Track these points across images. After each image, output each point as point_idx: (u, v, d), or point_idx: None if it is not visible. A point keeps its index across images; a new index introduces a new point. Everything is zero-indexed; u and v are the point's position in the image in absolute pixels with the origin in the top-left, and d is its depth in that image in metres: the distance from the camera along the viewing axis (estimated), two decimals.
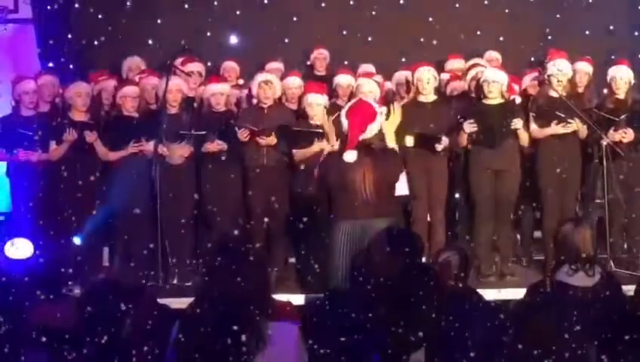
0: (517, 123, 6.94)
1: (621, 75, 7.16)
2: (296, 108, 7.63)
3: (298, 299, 6.14)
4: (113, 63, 8.39)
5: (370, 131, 5.39)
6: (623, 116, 6.99)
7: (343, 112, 5.59)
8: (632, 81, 7.20)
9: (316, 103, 7.11)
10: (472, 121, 6.93)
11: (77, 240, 6.95)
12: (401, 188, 5.94)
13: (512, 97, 7.20)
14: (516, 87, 7.60)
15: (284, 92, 7.83)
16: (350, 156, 5.32)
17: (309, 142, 7.02)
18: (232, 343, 3.38)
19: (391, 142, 5.55)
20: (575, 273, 4.34)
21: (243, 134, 7.03)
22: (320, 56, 8.83)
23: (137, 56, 8.33)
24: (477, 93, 7.32)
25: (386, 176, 5.39)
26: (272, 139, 7.08)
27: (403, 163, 6.21)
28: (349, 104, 5.77)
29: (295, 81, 7.76)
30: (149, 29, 9.28)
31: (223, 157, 7.16)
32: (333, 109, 7.25)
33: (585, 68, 7.56)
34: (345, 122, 5.46)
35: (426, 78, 7.18)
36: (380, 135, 5.59)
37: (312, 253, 7.10)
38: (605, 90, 7.41)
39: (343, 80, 7.71)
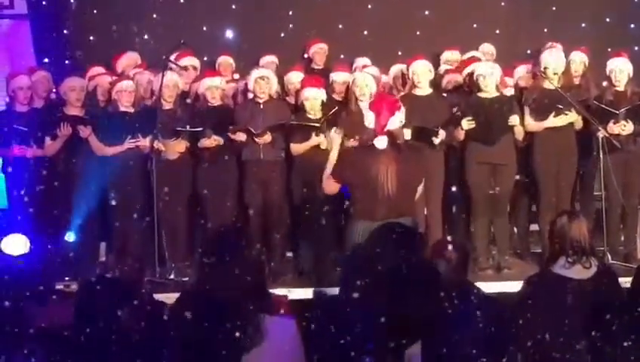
0: (513, 120, 6.95)
1: (621, 68, 7.13)
2: (295, 102, 7.61)
3: (295, 294, 6.14)
4: (108, 59, 8.36)
5: (396, 122, 5.33)
6: (623, 109, 6.97)
7: (365, 105, 5.51)
8: (631, 74, 7.19)
9: (313, 97, 7.10)
10: (470, 118, 6.92)
11: (70, 236, 6.94)
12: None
13: (506, 91, 7.19)
14: (510, 81, 7.59)
15: (286, 86, 7.82)
16: (381, 142, 5.22)
17: (306, 137, 7.02)
18: (228, 337, 3.37)
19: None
20: (572, 265, 4.33)
21: (240, 136, 7.03)
22: (320, 51, 8.80)
23: (132, 52, 8.31)
24: (471, 87, 7.31)
25: (409, 174, 5.28)
26: (268, 137, 7.07)
27: None
28: (371, 99, 5.70)
29: (297, 77, 7.75)
30: (144, 23, 9.25)
31: (226, 157, 7.16)
32: (330, 104, 7.26)
33: (580, 57, 7.53)
34: (370, 114, 5.36)
35: (422, 72, 7.17)
36: (402, 130, 5.53)
37: (309, 247, 7.11)
38: (605, 83, 7.40)
39: (339, 77, 7.65)
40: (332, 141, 5.60)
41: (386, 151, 5.24)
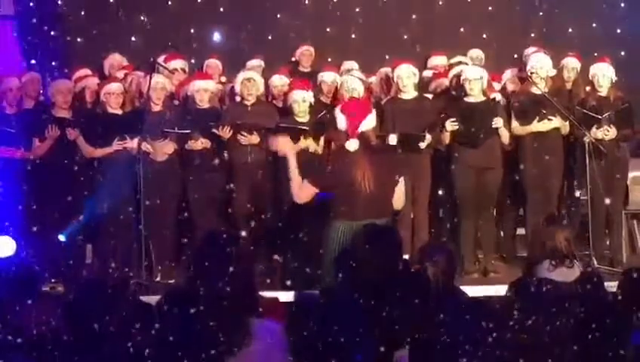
0: (497, 122, 6.97)
1: (603, 72, 7.17)
2: (282, 105, 7.62)
3: (283, 297, 6.13)
4: (96, 60, 8.35)
5: (368, 124, 5.38)
6: (606, 114, 7.02)
7: (338, 110, 5.56)
8: (614, 79, 7.23)
9: (302, 100, 7.11)
10: (453, 119, 6.95)
11: (61, 238, 6.92)
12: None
13: (492, 95, 7.23)
14: (498, 86, 7.62)
15: (271, 90, 7.83)
16: (353, 145, 5.29)
17: (294, 139, 7.02)
18: (216, 339, 3.37)
19: None
20: (555, 269, 4.37)
21: (225, 131, 7.03)
22: (306, 53, 8.85)
23: (119, 54, 8.30)
24: (457, 90, 7.34)
25: (384, 175, 5.33)
26: (255, 138, 7.08)
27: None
28: (342, 103, 5.76)
29: (282, 80, 7.76)
30: (132, 26, 9.25)
31: (215, 160, 7.16)
32: (317, 106, 7.27)
33: (572, 63, 7.59)
34: (342, 117, 5.41)
35: (406, 75, 7.18)
36: (376, 131, 5.59)
37: (297, 250, 7.11)
38: (587, 88, 7.44)
39: (327, 77, 7.70)
40: (283, 147, 5.57)
41: (360, 154, 5.31)
